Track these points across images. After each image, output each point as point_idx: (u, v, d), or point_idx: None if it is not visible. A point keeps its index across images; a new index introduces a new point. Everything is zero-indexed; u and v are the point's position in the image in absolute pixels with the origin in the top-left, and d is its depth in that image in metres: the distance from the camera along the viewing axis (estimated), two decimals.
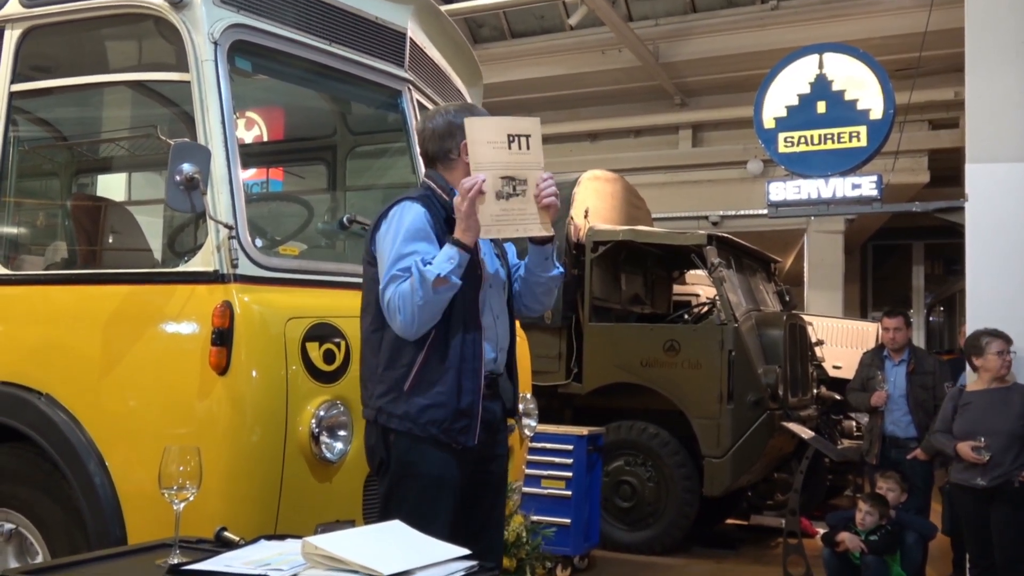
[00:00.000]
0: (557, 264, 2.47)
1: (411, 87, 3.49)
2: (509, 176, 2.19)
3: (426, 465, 2.27)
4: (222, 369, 2.49)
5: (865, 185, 5.79)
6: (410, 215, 2.29)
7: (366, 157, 4.32)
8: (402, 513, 2.07)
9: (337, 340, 2.72)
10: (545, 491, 5.38)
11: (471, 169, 2.20)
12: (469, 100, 4.17)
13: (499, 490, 2.47)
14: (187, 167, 2.50)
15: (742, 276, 6.77)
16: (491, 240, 2.44)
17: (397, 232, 2.28)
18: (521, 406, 2.64)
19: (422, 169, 3.46)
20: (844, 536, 4.89)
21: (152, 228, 3.39)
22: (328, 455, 2.63)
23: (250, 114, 4.29)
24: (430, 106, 3.72)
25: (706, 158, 13.18)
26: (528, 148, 2.19)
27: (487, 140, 2.17)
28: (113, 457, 2.61)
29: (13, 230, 3.22)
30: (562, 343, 6.47)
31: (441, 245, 2.26)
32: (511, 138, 2.17)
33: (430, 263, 2.20)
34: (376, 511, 2.40)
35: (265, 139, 4.41)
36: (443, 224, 2.32)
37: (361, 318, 2.42)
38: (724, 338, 5.94)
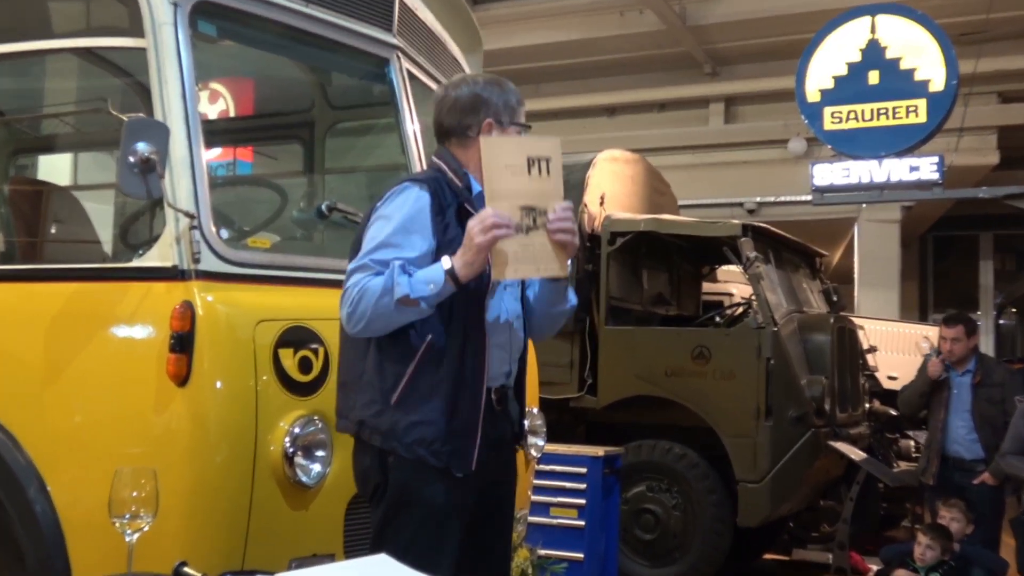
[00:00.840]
0: (572, 295, 2.46)
1: (400, 54, 3.49)
2: (529, 206, 2.19)
3: (430, 492, 2.26)
4: (182, 379, 2.48)
5: (924, 167, 5.79)
6: (410, 201, 2.28)
7: (348, 135, 4.31)
8: (399, 546, 2.07)
9: (315, 346, 2.72)
10: (554, 521, 5.37)
11: (487, 198, 2.18)
12: (468, 70, 4.17)
13: (505, 519, 2.47)
14: (142, 147, 2.49)
15: (782, 272, 6.76)
16: None
17: (390, 217, 2.27)
18: (526, 422, 2.63)
19: (413, 149, 3.48)
20: (900, 573, 4.87)
21: (102, 217, 3.38)
22: (304, 479, 2.63)
23: (215, 86, 4.29)
24: (421, 76, 3.71)
25: (741, 136, 13.19)
26: (548, 174, 2.20)
27: (505, 164, 2.17)
28: (56, 481, 2.60)
29: None
30: (574, 350, 6.47)
31: (441, 239, 2.25)
32: (531, 162, 2.18)
33: (411, 274, 2.19)
34: (359, 543, 2.40)
35: (232, 114, 4.41)
36: (454, 213, 2.30)
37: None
38: (761, 344, 5.93)
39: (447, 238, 2.27)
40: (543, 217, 2.20)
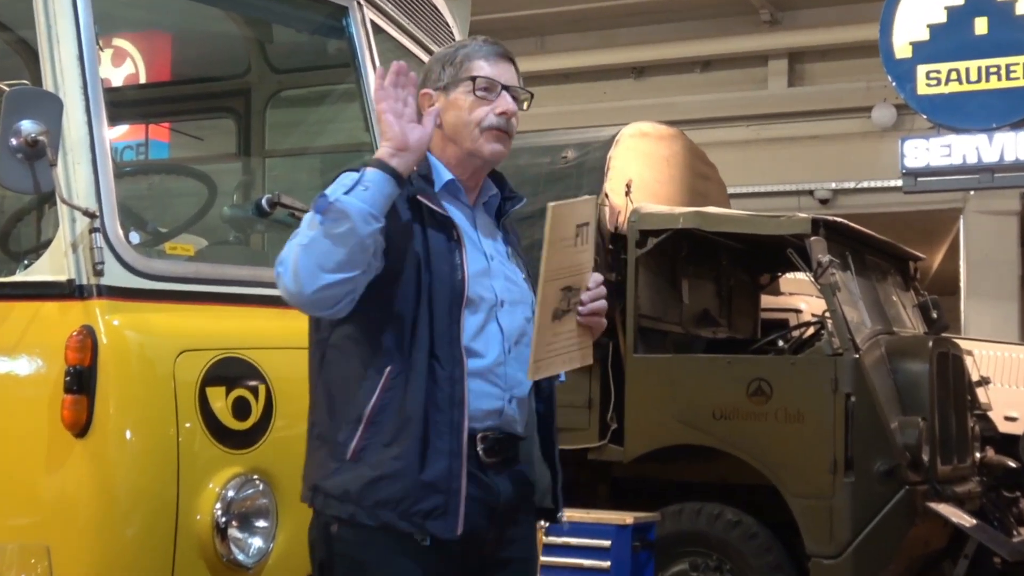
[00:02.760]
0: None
1: (362, 2, 3.52)
2: (567, 286, 2.34)
3: (396, 568, 2.27)
4: (81, 428, 2.49)
5: None
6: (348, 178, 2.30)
7: (296, 106, 4.34)
8: None
9: (253, 383, 2.74)
10: None
11: (543, 280, 2.27)
12: (449, 18, 4.20)
13: None
14: (27, 125, 2.50)
15: (866, 281, 6.78)
16: (505, 243, 2.52)
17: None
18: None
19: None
20: None
21: None
22: (240, 556, 2.63)
23: (120, 43, 4.32)
24: (390, 29, 3.74)
25: (809, 102, 13.23)
26: (585, 242, 2.35)
27: (564, 237, 2.30)
28: None
29: None
30: (593, 385, 6.48)
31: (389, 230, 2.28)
32: (578, 230, 2.32)
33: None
34: None
35: (143, 80, 4.44)
36: (404, 202, 2.34)
37: (309, 352, 2.44)
38: (839, 375, 5.94)
39: (395, 229, 2.29)
40: (576, 296, 2.35)
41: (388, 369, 2.27)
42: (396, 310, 2.30)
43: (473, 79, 2.43)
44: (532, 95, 2.53)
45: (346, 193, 2.20)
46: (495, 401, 2.37)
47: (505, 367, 2.39)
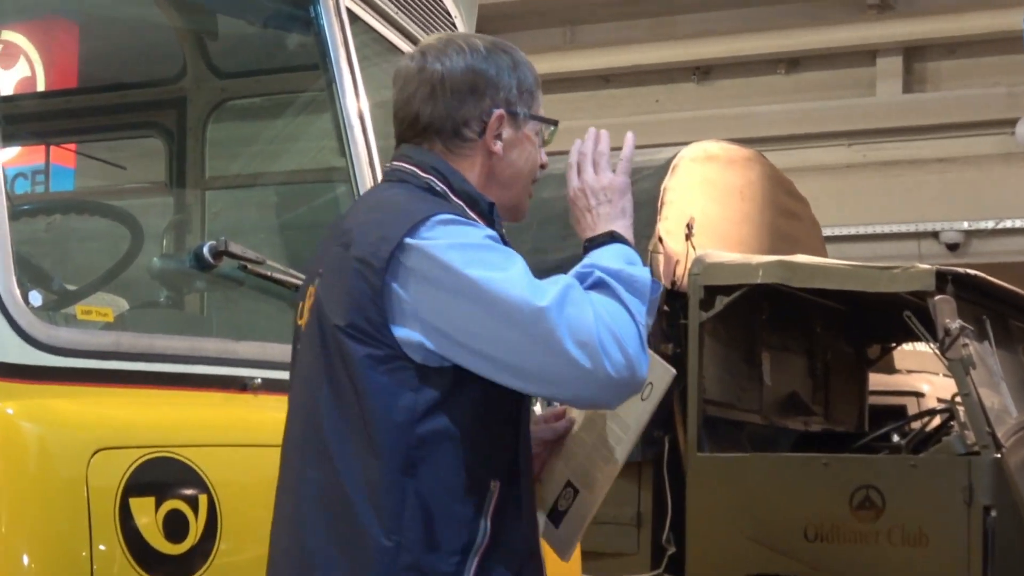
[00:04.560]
0: None
1: None
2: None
3: None
4: None
5: None
6: (475, 234, 2.42)
7: (246, 119, 4.37)
8: None
9: (192, 492, 2.74)
10: None
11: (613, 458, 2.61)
12: (449, 2, 4.23)
13: None
14: None
15: (1009, 355, 6.77)
16: None
17: (480, 254, 2.37)
18: None
19: (358, 141, 3.50)
20: None
21: None
22: None
23: (9, 36, 4.34)
24: (372, 20, 3.77)
25: (932, 114, 13.24)
26: (646, 398, 2.68)
27: None
28: None
29: None
30: (643, 495, 6.49)
31: None
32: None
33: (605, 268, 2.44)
34: None
35: (41, 87, 4.46)
36: None
37: (334, 449, 2.43)
38: (974, 482, 5.92)
39: None
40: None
41: (495, 485, 2.40)
42: (499, 392, 2.40)
43: (542, 120, 2.64)
44: (557, 123, 2.71)
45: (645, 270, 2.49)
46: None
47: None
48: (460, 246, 2.35)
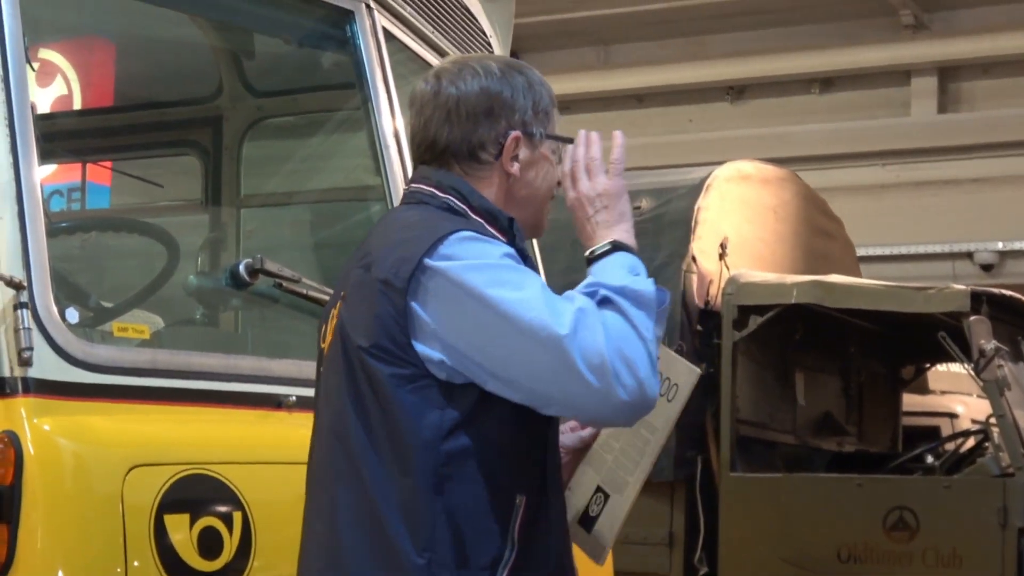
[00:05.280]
0: None
1: (372, 5, 3.57)
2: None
3: None
4: (0, 566, 2.49)
5: None
6: (493, 252, 2.44)
7: (281, 138, 4.38)
8: None
9: (226, 509, 2.75)
10: None
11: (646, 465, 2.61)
12: (485, 22, 4.24)
13: None
14: None
15: None
16: None
17: (498, 274, 2.41)
18: None
19: (393, 160, 3.53)
20: None
21: None
22: None
23: (48, 54, 4.36)
24: (408, 39, 3.79)
25: (966, 134, 13.19)
26: (672, 399, 2.80)
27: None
28: None
29: None
30: (676, 515, 6.48)
31: None
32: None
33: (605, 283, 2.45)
34: None
35: (78, 105, 4.49)
36: None
37: (364, 469, 2.44)
38: (1009, 504, 5.89)
39: None
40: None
41: (520, 499, 2.42)
42: (527, 410, 2.41)
43: (557, 139, 2.67)
44: (572, 141, 2.71)
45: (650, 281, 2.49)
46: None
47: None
48: (478, 267, 2.39)
